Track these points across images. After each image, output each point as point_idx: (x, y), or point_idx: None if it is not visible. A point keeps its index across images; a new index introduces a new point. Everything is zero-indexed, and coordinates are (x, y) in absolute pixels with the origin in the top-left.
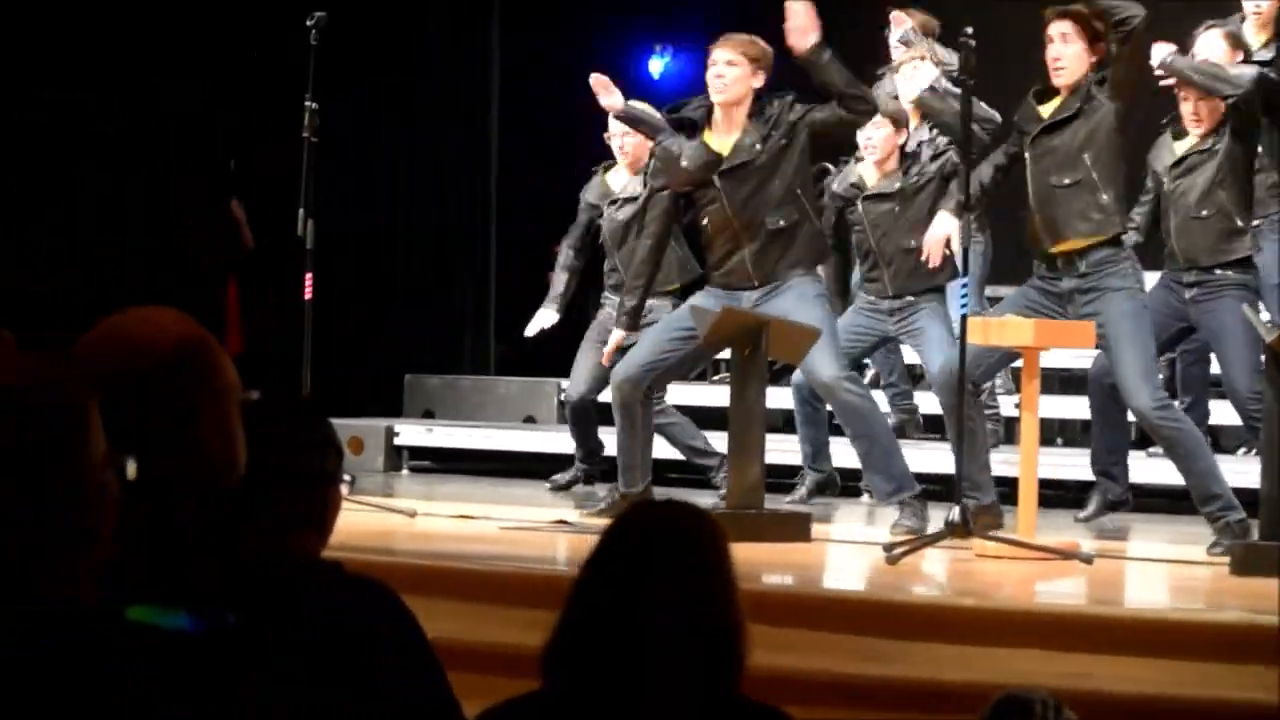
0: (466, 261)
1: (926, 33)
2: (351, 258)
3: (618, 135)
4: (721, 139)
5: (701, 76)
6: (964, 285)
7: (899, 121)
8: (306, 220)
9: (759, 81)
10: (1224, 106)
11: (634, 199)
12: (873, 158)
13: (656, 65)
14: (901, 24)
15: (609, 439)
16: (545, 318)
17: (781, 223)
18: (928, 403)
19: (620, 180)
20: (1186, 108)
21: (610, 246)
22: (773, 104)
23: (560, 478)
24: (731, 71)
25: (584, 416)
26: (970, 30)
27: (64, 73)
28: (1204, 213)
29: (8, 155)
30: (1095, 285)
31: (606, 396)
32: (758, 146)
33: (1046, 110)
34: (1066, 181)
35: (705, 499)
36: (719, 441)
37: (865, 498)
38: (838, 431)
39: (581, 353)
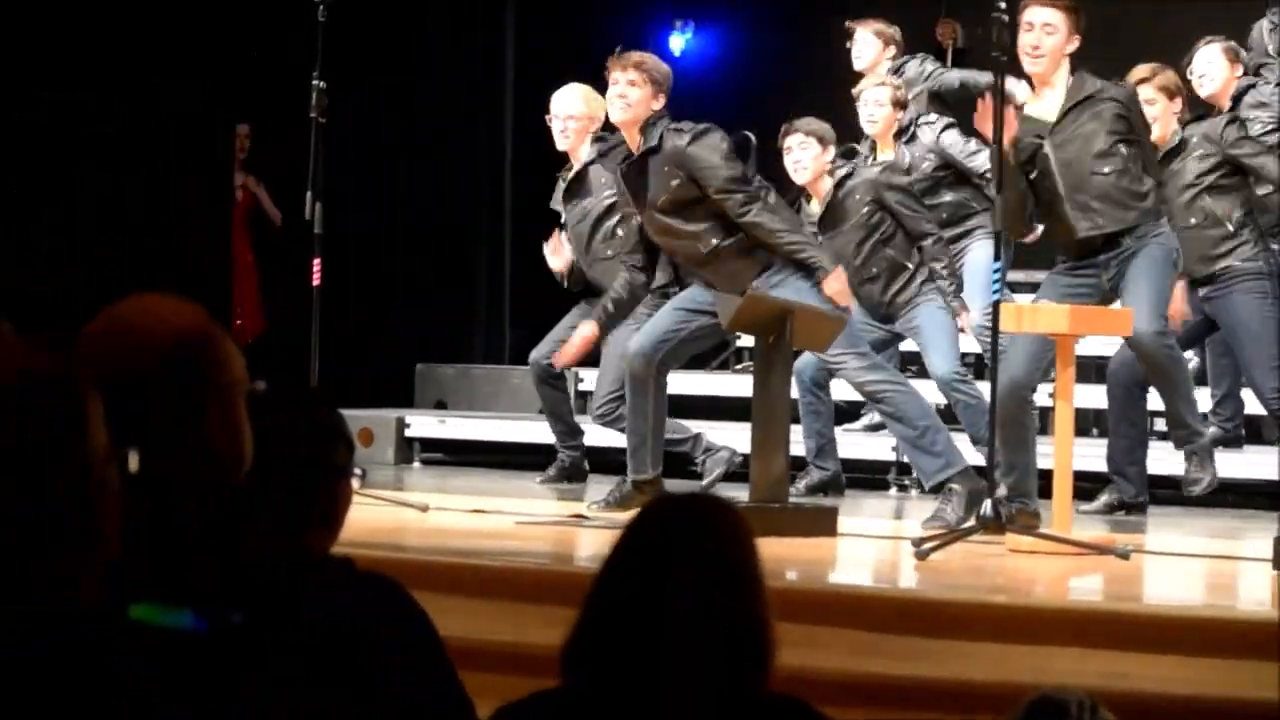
0: (480, 248)
1: (885, 41)
2: (362, 243)
3: (559, 118)
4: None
5: (723, 54)
6: (996, 270)
7: (825, 139)
8: (314, 204)
9: (659, 103)
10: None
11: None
12: (803, 179)
13: (677, 42)
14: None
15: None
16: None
17: (714, 242)
18: (930, 392)
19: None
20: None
21: (574, 247)
22: (661, 134)
23: (549, 472)
24: (634, 92)
25: (545, 380)
26: (1003, 5)
27: (64, 73)
28: (1191, 220)
29: (8, 155)
30: (1135, 249)
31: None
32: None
33: (1048, 105)
34: (1106, 170)
35: (736, 492)
36: (739, 432)
37: (893, 491)
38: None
39: (561, 322)
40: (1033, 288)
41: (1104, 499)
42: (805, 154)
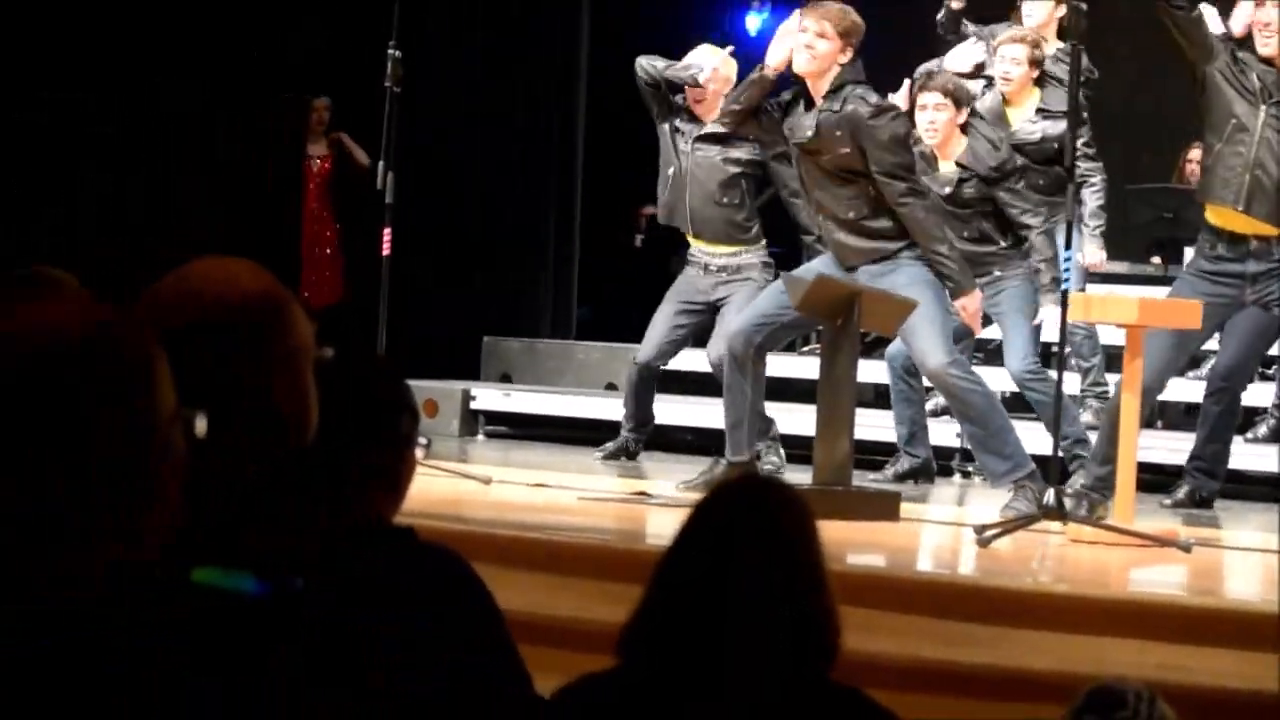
0: (549, 221)
1: (1058, 2)
2: (432, 214)
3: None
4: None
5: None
6: (1066, 259)
7: (961, 101)
8: (386, 173)
9: (846, 56)
10: None
11: (715, 137)
12: (933, 141)
13: (754, 21)
14: None
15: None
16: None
17: (851, 215)
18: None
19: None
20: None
21: (676, 182)
22: (846, 96)
23: (609, 446)
24: (822, 44)
25: (647, 384)
26: None
27: (64, 73)
28: None
29: (8, 155)
30: None
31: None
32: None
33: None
34: None
35: (800, 475)
36: (804, 415)
37: (956, 477)
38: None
39: (660, 315)
40: (1103, 279)
41: (1182, 492)
42: (940, 116)
